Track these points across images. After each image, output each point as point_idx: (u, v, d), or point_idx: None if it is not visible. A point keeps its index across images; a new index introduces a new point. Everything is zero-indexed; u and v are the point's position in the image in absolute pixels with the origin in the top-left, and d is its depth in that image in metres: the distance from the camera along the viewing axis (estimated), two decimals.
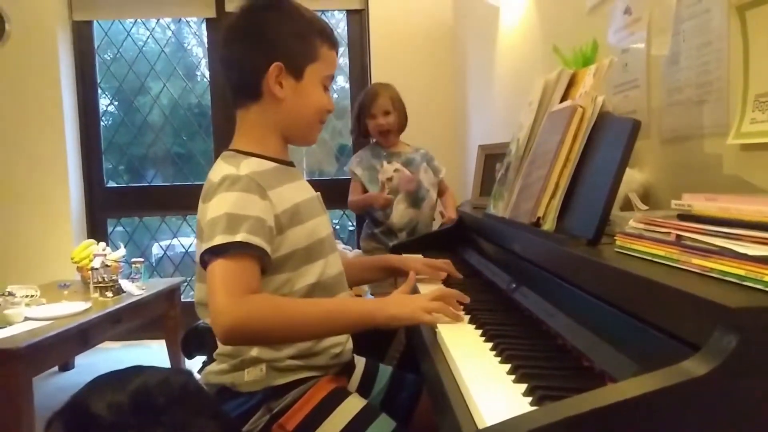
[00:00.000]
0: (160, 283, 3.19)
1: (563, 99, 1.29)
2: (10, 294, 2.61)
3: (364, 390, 1.34)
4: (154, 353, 3.55)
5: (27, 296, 2.64)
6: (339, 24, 4.03)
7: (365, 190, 2.75)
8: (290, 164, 1.28)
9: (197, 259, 1.17)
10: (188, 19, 4.12)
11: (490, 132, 2.86)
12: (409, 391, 1.39)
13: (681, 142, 1.21)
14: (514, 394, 0.73)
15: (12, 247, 3.74)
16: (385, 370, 1.42)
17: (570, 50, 1.36)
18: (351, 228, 4.21)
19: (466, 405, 0.75)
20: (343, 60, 3.92)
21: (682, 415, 0.58)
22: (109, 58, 4.08)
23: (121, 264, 3.04)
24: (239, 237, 1.06)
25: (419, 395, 1.38)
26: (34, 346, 2.11)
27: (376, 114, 2.65)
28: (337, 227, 4.22)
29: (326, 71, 1.24)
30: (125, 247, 3.24)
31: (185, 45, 4.25)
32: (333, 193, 3.23)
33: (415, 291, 1.30)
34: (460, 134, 3.68)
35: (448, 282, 1.45)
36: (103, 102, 4.09)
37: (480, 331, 1.02)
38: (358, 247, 3.18)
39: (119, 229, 4.13)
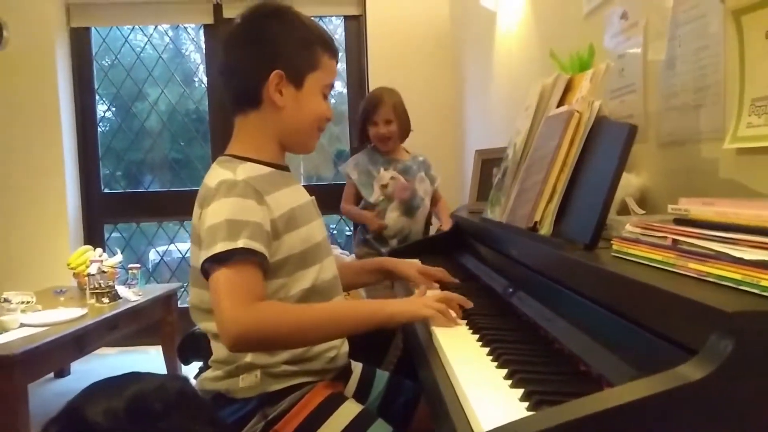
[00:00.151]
0: (156, 289, 3.18)
1: (560, 104, 1.29)
2: (6, 300, 2.60)
3: (360, 395, 1.34)
4: (150, 359, 3.54)
5: (23, 302, 2.63)
6: (336, 29, 4.03)
7: (359, 195, 2.74)
8: (286, 169, 1.28)
9: (192, 263, 1.17)
10: (186, 25, 4.13)
11: (487, 137, 2.86)
12: (407, 396, 1.38)
13: (678, 146, 1.22)
14: (511, 399, 0.73)
15: (8, 253, 3.73)
16: (382, 376, 1.42)
17: (567, 55, 1.36)
18: (348, 233, 4.21)
19: (463, 410, 0.74)
20: (340, 65, 3.91)
21: (679, 419, 0.58)
22: (106, 65, 4.09)
23: (118, 270, 3.03)
24: (241, 243, 1.06)
25: (417, 401, 1.38)
26: (30, 352, 2.10)
27: (378, 122, 2.62)
28: (334, 232, 4.22)
29: (326, 80, 1.25)
30: (122, 252, 3.24)
31: (183, 51, 4.26)
32: (330, 198, 3.24)
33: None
34: (457, 139, 3.68)
35: (445, 287, 1.45)
36: (101, 108, 4.09)
37: (477, 336, 1.02)
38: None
39: (116, 234, 4.13)
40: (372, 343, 1.61)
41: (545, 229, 1.12)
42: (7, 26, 3.67)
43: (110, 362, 3.51)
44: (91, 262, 2.91)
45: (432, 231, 2.78)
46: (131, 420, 0.75)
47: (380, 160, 2.69)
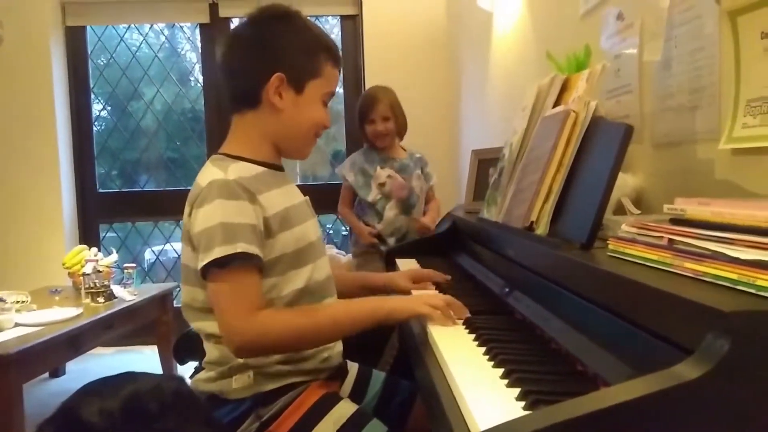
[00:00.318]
0: (152, 289, 3.17)
1: (556, 104, 1.29)
2: (1, 300, 2.59)
3: (357, 395, 1.33)
4: (146, 359, 3.53)
5: (18, 302, 2.62)
6: (333, 29, 4.03)
7: (354, 196, 2.74)
8: (280, 169, 1.28)
9: (183, 261, 1.18)
10: (182, 24, 4.12)
11: (483, 137, 2.87)
12: (403, 396, 1.38)
13: (673, 146, 1.22)
14: (508, 399, 0.73)
15: (3, 253, 3.71)
16: (378, 376, 1.42)
17: (563, 55, 1.36)
18: (344, 233, 4.20)
19: (460, 410, 0.74)
20: None
21: (675, 418, 0.58)
22: (102, 64, 4.07)
23: (113, 269, 3.02)
24: (240, 248, 1.07)
25: (413, 401, 1.38)
26: (25, 352, 2.09)
27: (375, 119, 2.62)
28: (330, 232, 4.22)
29: (327, 88, 1.25)
30: (117, 252, 3.22)
31: (179, 50, 4.25)
32: (326, 197, 3.25)
33: None
34: (453, 139, 3.69)
35: (439, 287, 1.45)
36: (96, 107, 4.08)
37: (473, 336, 1.02)
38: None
39: (111, 234, 4.11)
40: (368, 343, 1.61)
41: (541, 229, 1.12)
42: (1, 24, 3.65)
43: (106, 362, 3.50)
44: (87, 261, 2.90)
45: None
46: (126, 420, 0.75)
47: (377, 159, 2.69)
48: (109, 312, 2.64)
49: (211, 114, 4.01)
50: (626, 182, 1.23)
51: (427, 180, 2.75)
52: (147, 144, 4.12)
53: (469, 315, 1.14)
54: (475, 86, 3.11)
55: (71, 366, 3.31)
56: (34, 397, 2.87)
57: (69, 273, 3.03)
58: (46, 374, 3.25)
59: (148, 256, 4.23)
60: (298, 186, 1.34)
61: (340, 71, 1.28)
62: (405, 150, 2.77)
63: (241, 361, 1.14)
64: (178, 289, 3.59)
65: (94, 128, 4.05)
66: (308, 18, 1.26)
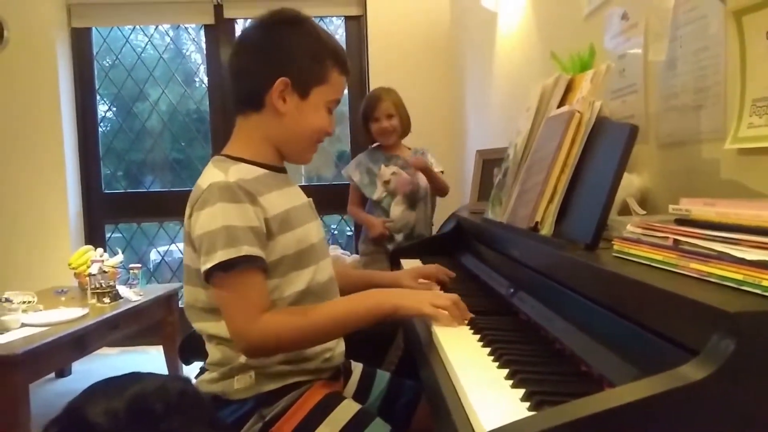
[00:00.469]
0: (157, 289, 3.18)
1: (561, 104, 1.29)
2: (7, 300, 2.60)
3: (361, 395, 1.34)
4: (151, 359, 3.54)
5: (24, 302, 2.63)
6: (337, 30, 4.04)
7: (363, 196, 2.76)
8: (282, 171, 1.28)
9: (185, 262, 1.19)
10: (187, 25, 4.13)
11: (487, 137, 2.87)
12: (407, 396, 1.38)
13: (678, 146, 1.22)
14: (513, 399, 0.73)
15: (9, 253, 3.73)
16: (382, 376, 1.42)
17: (567, 56, 1.36)
18: (349, 233, 4.21)
19: (464, 410, 0.74)
20: None
21: (681, 419, 0.58)
22: (107, 65, 4.09)
23: (119, 270, 3.03)
24: (244, 251, 1.07)
25: (417, 401, 1.37)
26: (31, 352, 2.10)
27: (380, 117, 2.66)
28: (335, 232, 4.22)
29: (333, 95, 1.25)
30: (123, 252, 3.24)
31: (184, 51, 4.26)
32: (331, 198, 3.27)
33: None
34: (458, 140, 3.68)
35: (444, 286, 1.45)
36: (102, 108, 4.09)
37: (478, 336, 1.02)
38: (357, 252, 3.19)
39: (117, 234, 4.13)
40: (373, 343, 1.61)
41: (546, 230, 1.12)
42: (7, 26, 3.67)
43: (111, 362, 3.51)
44: (92, 262, 2.91)
45: (436, 226, 2.78)
46: (132, 421, 0.75)
47: (381, 158, 2.72)
48: (114, 312, 2.64)
49: (216, 115, 4.01)
50: (631, 182, 1.23)
51: (433, 165, 2.73)
52: (152, 145, 4.13)
53: (472, 316, 1.14)
54: (479, 86, 3.10)
55: (77, 366, 3.33)
56: (40, 397, 2.89)
57: (75, 273, 3.04)
58: (52, 374, 3.26)
59: (154, 256, 4.24)
60: (302, 186, 1.35)
61: (347, 79, 1.28)
62: (409, 148, 2.79)
63: (242, 361, 1.14)
64: (183, 289, 3.59)
65: (100, 129, 4.06)
66: (318, 24, 1.27)
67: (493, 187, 1.58)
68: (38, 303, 2.68)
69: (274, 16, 1.24)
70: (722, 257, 0.69)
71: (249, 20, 3.93)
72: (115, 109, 4.15)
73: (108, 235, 4.07)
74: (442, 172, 2.76)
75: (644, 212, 1.16)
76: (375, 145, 2.80)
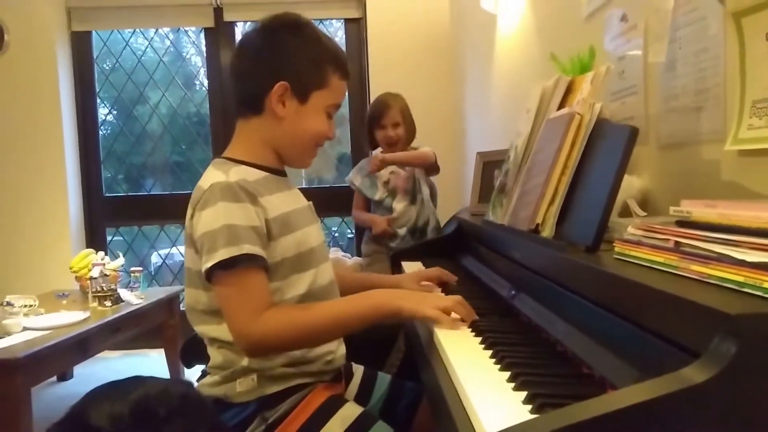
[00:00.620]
0: (158, 292, 3.18)
1: (561, 106, 1.29)
2: (9, 304, 2.60)
3: (362, 398, 1.34)
4: (153, 362, 3.54)
5: (25, 306, 2.63)
6: (337, 32, 4.04)
7: (366, 200, 2.78)
8: (282, 174, 1.29)
9: (186, 264, 1.19)
10: (187, 28, 4.13)
11: (488, 139, 2.87)
12: (409, 399, 1.38)
13: (679, 148, 1.22)
14: (514, 402, 0.73)
15: (10, 257, 3.73)
16: (384, 378, 1.42)
17: (567, 57, 1.36)
18: (350, 235, 4.21)
19: (466, 413, 0.74)
20: None
21: (683, 421, 0.58)
22: (107, 68, 4.09)
23: (120, 273, 3.03)
24: (245, 249, 1.08)
25: (419, 403, 1.38)
26: (33, 356, 2.10)
27: (386, 125, 2.67)
28: (336, 234, 4.22)
29: (332, 100, 1.25)
30: (124, 256, 3.24)
31: (184, 54, 4.26)
32: (332, 200, 3.28)
33: None
34: (458, 142, 3.68)
35: (447, 290, 1.45)
36: (102, 111, 4.10)
37: (479, 339, 1.02)
38: (358, 254, 3.19)
39: (118, 238, 4.13)
40: (374, 345, 1.62)
41: (547, 232, 1.12)
42: (8, 30, 3.68)
43: (113, 365, 3.51)
44: (94, 265, 2.91)
45: (442, 222, 2.78)
46: (135, 424, 0.75)
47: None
48: (116, 316, 2.64)
49: (216, 118, 4.02)
50: (632, 184, 1.23)
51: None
52: (153, 148, 4.13)
53: (477, 318, 1.14)
54: (479, 88, 3.11)
55: (78, 369, 3.33)
56: (42, 400, 2.89)
57: (76, 277, 3.04)
58: (54, 378, 3.26)
59: (155, 259, 4.25)
60: (303, 189, 1.35)
61: (347, 84, 1.28)
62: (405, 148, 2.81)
63: (244, 364, 1.14)
64: (185, 292, 3.59)
65: (100, 132, 4.06)
66: (319, 29, 1.27)
67: (494, 189, 1.58)
68: (39, 306, 2.68)
69: (276, 20, 1.24)
70: (723, 259, 0.69)
71: (249, 23, 3.97)
72: (115, 112, 4.15)
73: (109, 238, 4.07)
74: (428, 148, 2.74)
75: (645, 214, 1.16)
76: (376, 150, 2.81)
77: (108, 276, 2.86)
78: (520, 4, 2.32)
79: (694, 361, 0.59)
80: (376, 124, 2.69)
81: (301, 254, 1.20)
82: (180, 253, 4.11)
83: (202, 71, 4.15)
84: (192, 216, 1.16)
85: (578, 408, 0.59)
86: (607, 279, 0.84)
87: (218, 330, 1.16)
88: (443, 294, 1.37)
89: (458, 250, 1.93)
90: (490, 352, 0.94)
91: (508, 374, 0.83)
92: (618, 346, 0.79)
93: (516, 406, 0.72)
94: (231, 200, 1.11)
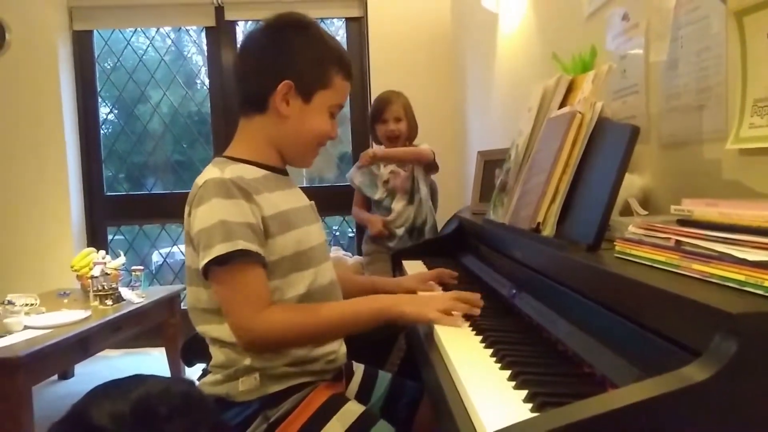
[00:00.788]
0: (159, 291, 3.19)
1: (562, 105, 1.29)
2: (10, 303, 2.61)
3: (363, 396, 1.34)
4: (154, 361, 3.55)
5: (26, 305, 2.63)
6: (338, 31, 4.04)
7: (366, 198, 2.78)
8: (283, 173, 1.29)
9: (187, 263, 1.19)
10: (188, 27, 4.13)
11: (489, 138, 2.87)
12: (409, 397, 1.39)
13: (680, 147, 1.22)
14: (515, 401, 0.73)
15: (12, 256, 3.73)
16: (384, 377, 1.42)
17: (568, 56, 1.36)
18: (351, 234, 4.21)
19: (467, 411, 0.74)
20: None
21: (684, 420, 0.58)
22: (109, 67, 4.09)
23: (121, 272, 3.04)
24: (240, 245, 1.08)
25: (419, 402, 1.38)
26: (34, 354, 2.10)
27: (388, 119, 2.68)
28: (337, 233, 4.22)
29: (336, 100, 1.26)
30: (125, 255, 3.24)
31: (185, 53, 4.26)
32: (333, 199, 3.27)
33: None
34: (459, 140, 3.68)
35: (447, 287, 1.45)
36: (104, 110, 4.10)
37: (480, 337, 1.02)
38: (359, 253, 3.19)
39: (119, 237, 4.13)
40: (374, 344, 1.62)
41: (548, 231, 1.12)
42: (9, 29, 3.68)
43: (114, 364, 3.52)
44: (95, 264, 2.92)
45: (440, 222, 2.78)
46: (137, 423, 0.75)
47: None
48: (117, 314, 2.65)
49: (217, 116, 4.02)
50: (633, 183, 1.23)
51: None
52: (154, 147, 4.13)
53: (482, 304, 1.15)
54: (480, 87, 3.10)
55: (80, 368, 3.33)
56: (43, 399, 2.89)
57: (77, 276, 3.05)
58: (55, 376, 3.27)
59: (156, 258, 4.25)
60: (304, 188, 1.35)
61: (350, 84, 1.28)
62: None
63: (247, 363, 1.15)
64: (185, 291, 3.59)
65: (102, 131, 4.06)
66: (323, 29, 1.27)
67: (495, 188, 1.58)
68: (41, 305, 2.68)
69: (280, 20, 1.24)
70: (724, 258, 0.69)
71: (250, 22, 3.97)
72: (116, 111, 4.15)
73: (110, 237, 4.07)
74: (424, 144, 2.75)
75: (646, 213, 1.16)
76: (376, 148, 2.81)
77: (109, 275, 2.86)
78: (522, 3, 2.31)
79: (695, 359, 0.59)
80: (378, 118, 2.70)
81: (300, 253, 1.20)
82: (181, 252, 4.11)
83: (203, 70, 4.15)
84: (189, 213, 1.16)
85: (579, 407, 0.59)
86: (608, 278, 0.84)
87: (220, 330, 1.16)
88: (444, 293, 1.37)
89: (459, 249, 1.93)
90: (490, 350, 0.94)
91: (508, 373, 0.83)
92: (619, 345, 0.79)
93: (516, 405, 0.72)
94: (224, 196, 1.11)
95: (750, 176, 1.00)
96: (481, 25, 2.94)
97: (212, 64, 4.03)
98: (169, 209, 3.96)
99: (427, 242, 2.35)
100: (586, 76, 1.22)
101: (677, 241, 0.79)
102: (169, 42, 4.17)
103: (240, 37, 4.04)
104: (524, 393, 0.74)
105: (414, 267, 1.80)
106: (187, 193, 1.18)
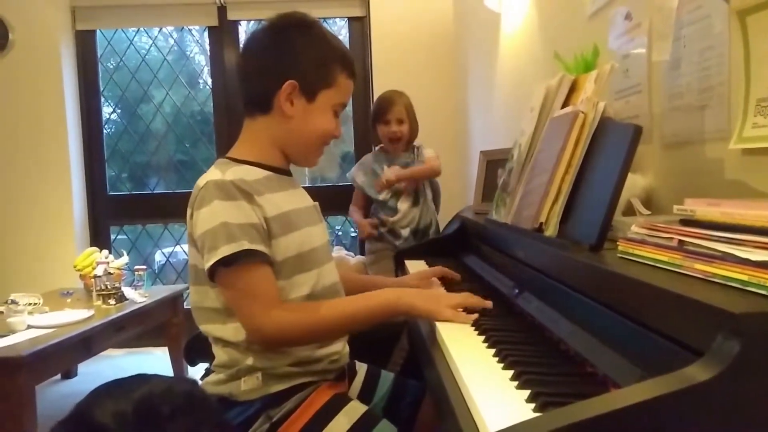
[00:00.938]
0: (162, 291, 3.19)
1: (564, 105, 1.29)
2: (13, 302, 2.62)
3: (365, 396, 1.34)
4: (157, 360, 3.55)
5: (30, 304, 2.64)
6: (341, 31, 4.04)
7: (366, 198, 2.79)
8: (287, 174, 1.29)
9: (191, 262, 1.20)
10: (190, 27, 4.14)
11: (491, 138, 2.86)
12: (412, 397, 1.39)
13: (683, 147, 1.22)
14: (518, 401, 0.73)
15: (15, 255, 3.74)
16: (387, 377, 1.42)
17: (571, 56, 1.36)
18: (353, 234, 4.21)
19: (469, 411, 0.74)
20: None
21: (687, 420, 0.58)
22: (111, 67, 4.10)
23: (124, 271, 3.04)
24: (245, 245, 1.08)
25: (422, 401, 1.38)
26: (37, 354, 2.11)
27: (391, 120, 2.67)
28: (340, 233, 4.22)
29: (339, 99, 1.26)
30: (128, 254, 3.25)
31: (188, 53, 4.27)
32: (335, 199, 3.27)
33: None
34: (461, 140, 3.68)
35: (450, 289, 1.45)
36: (106, 110, 4.11)
37: (483, 337, 1.02)
38: (361, 253, 3.19)
39: (122, 236, 4.14)
40: (377, 343, 1.62)
41: (550, 230, 1.12)
42: (13, 29, 3.69)
43: (117, 364, 3.52)
44: (98, 263, 2.92)
45: (442, 222, 2.79)
46: (140, 422, 0.75)
47: (384, 158, 2.76)
48: (120, 314, 2.65)
49: (220, 116, 4.02)
50: (635, 183, 1.23)
51: (420, 159, 2.74)
52: (156, 147, 4.14)
53: (490, 305, 1.15)
54: (482, 87, 3.10)
55: (83, 368, 3.33)
56: (46, 398, 2.90)
57: (80, 275, 3.06)
58: (58, 376, 3.27)
59: (159, 258, 4.25)
60: (306, 188, 1.35)
61: (354, 83, 1.28)
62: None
63: (249, 363, 1.15)
64: (188, 290, 3.59)
65: (104, 131, 4.07)
66: (326, 28, 1.28)
67: (497, 187, 1.57)
68: (44, 305, 2.69)
69: (283, 20, 1.25)
70: (727, 258, 0.69)
71: (252, 22, 3.97)
72: (119, 111, 4.16)
73: (113, 236, 4.08)
74: (429, 158, 2.75)
75: (649, 213, 1.16)
76: (378, 147, 2.81)
77: (112, 274, 2.87)
78: (524, 2, 2.31)
79: (698, 359, 0.59)
80: (380, 119, 2.69)
81: (302, 254, 1.20)
82: (184, 251, 4.11)
83: (206, 70, 4.15)
84: (191, 215, 1.16)
85: (581, 407, 0.59)
86: (610, 278, 0.84)
87: (222, 329, 1.16)
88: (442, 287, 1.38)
89: (461, 249, 1.93)
90: (493, 350, 0.94)
91: (511, 372, 0.83)
92: (621, 345, 0.79)
93: (519, 405, 0.72)
94: (225, 198, 1.11)
95: (753, 176, 0.99)
96: (483, 24, 2.93)
97: (215, 63, 4.03)
98: (171, 209, 3.96)
99: (429, 242, 2.36)
100: (589, 76, 1.22)
101: (680, 241, 0.79)
102: (171, 42, 4.18)
103: (243, 37, 4.04)
104: (527, 393, 0.74)
105: (416, 266, 1.80)
106: (190, 192, 1.19)
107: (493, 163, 2.25)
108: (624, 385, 0.70)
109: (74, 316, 2.51)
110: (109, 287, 2.81)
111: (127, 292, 2.90)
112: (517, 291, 1.25)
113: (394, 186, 2.69)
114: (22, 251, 3.75)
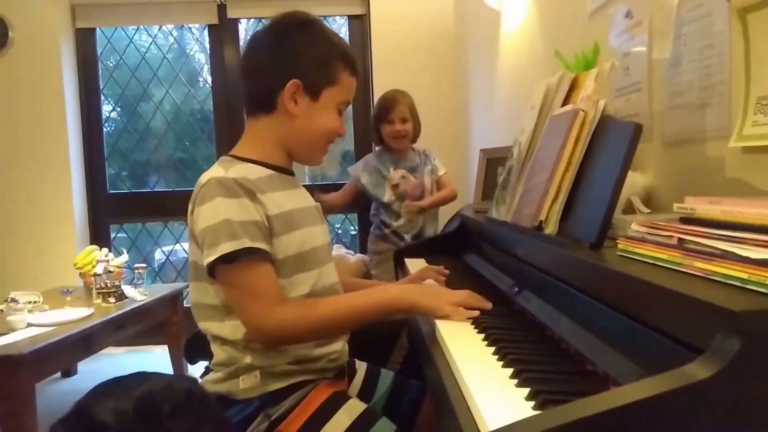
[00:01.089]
0: (162, 289, 3.19)
1: (565, 103, 1.29)
2: (13, 300, 2.62)
3: (365, 395, 1.34)
4: (157, 359, 3.55)
5: (30, 302, 2.64)
6: (341, 29, 4.03)
7: (357, 196, 2.79)
8: (290, 173, 1.29)
9: (191, 259, 1.20)
10: (190, 25, 4.14)
11: (491, 136, 2.86)
12: (412, 395, 1.39)
13: (683, 145, 1.22)
14: (517, 399, 0.73)
15: (15, 253, 3.74)
16: (386, 375, 1.42)
17: (571, 54, 1.36)
18: (353, 232, 4.21)
19: (469, 409, 0.74)
20: None
21: (686, 418, 0.58)
22: (111, 65, 4.10)
23: (124, 270, 3.04)
24: (247, 243, 1.08)
25: (422, 400, 1.38)
26: (37, 352, 2.11)
27: (394, 120, 2.67)
28: (339, 231, 4.22)
29: (343, 97, 1.26)
30: (128, 252, 3.25)
31: (187, 51, 4.26)
32: None
33: None
34: (461, 138, 3.68)
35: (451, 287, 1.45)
36: (106, 108, 4.10)
37: (482, 335, 1.02)
38: (362, 251, 3.20)
39: (122, 234, 4.14)
40: (377, 342, 1.62)
41: (550, 229, 1.12)
42: (12, 27, 3.69)
43: (117, 362, 3.52)
44: (98, 262, 2.92)
45: (440, 225, 2.80)
46: (140, 420, 0.75)
47: (389, 160, 2.75)
48: (120, 312, 2.65)
49: (219, 114, 4.02)
50: (636, 181, 1.23)
51: (435, 172, 2.78)
52: (156, 145, 4.14)
53: (490, 306, 1.16)
54: (483, 85, 3.10)
55: (83, 366, 3.34)
56: (46, 396, 2.90)
57: (80, 273, 3.06)
58: (58, 374, 3.27)
59: (159, 256, 4.25)
60: (306, 186, 1.35)
61: (357, 80, 1.29)
62: (414, 149, 2.81)
63: (248, 361, 1.15)
64: (188, 288, 3.59)
65: (104, 129, 4.07)
66: (327, 26, 1.28)
67: (497, 185, 1.57)
68: (44, 303, 2.69)
69: (284, 19, 1.25)
70: (727, 256, 0.69)
71: (252, 20, 3.97)
72: (119, 109, 4.16)
73: (113, 235, 4.08)
74: (443, 176, 2.81)
75: (649, 211, 1.15)
76: (379, 147, 2.81)
77: (112, 272, 2.87)
78: (525, 0, 2.31)
79: (698, 357, 0.59)
80: (384, 119, 2.69)
81: (303, 253, 1.20)
82: (184, 249, 4.12)
83: (206, 68, 4.15)
84: (192, 211, 1.16)
85: (581, 405, 0.59)
86: (610, 276, 0.84)
87: (221, 327, 1.16)
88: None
89: (461, 247, 1.93)
90: (493, 348, 0.94)
91: (511, 371, 0.83)
92: (621, 343, 0.79)
93: (519, 403, 0.72)
94: (228, 195, 1.11)
95: (753, 174, 0.99)
96: (483, 22, 2.93)
97: (215, 61, 4.03)
98: (171, 207, 3.97)
99: (429, 240, 2.36)
100: (589, 74, 1.22)
101: (680, 239, 0.79)
102: (171, 40, 4.17)
103: (243, 35, 4.04)
104: (526, 391, 0.74)
105: (416, 265, 1.80)
106: (190, 191, 1.19)
107: (494, 161, 2.25)
108: (624, 383, 0.70)
109: (74, 315, 2.51)
110: (109, 285, 2.81)
111: (127, 290, 2.90)
112: (516, 289, 1.25)
113: (399, 189, 2.69)
114: (22, 249, 3.75)
